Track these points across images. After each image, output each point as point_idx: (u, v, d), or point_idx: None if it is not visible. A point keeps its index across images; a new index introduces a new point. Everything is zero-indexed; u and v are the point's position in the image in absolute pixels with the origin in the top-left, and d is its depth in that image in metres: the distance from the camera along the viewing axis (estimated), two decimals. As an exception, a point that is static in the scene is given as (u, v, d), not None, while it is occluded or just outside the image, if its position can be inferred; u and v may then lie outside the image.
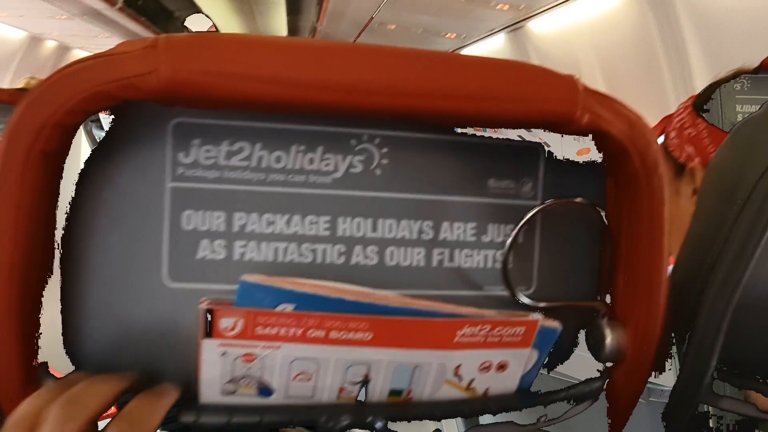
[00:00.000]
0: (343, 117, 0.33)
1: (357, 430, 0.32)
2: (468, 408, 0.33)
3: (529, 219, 0.35)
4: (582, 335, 0.38)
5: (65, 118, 0.27)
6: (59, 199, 0.31)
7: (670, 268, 0.38)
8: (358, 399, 0.32)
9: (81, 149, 0.45)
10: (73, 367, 0.33)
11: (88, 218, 0.32)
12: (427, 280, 0.35)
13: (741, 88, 0.66)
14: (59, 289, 0.32)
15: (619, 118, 0.32)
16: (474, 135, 0.35)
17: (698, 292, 0.39)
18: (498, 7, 3.33)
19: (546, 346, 0.34)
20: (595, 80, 2.90)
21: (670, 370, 0.38)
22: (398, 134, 0.34)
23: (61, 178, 0.30)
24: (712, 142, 0.65)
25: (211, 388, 0.31)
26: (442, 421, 0.34)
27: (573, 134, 0.32)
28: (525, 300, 0.35)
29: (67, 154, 0.30)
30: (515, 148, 0.36)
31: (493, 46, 4.23)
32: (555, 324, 0.33)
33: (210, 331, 0.29)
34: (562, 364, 0.38)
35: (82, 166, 0.31)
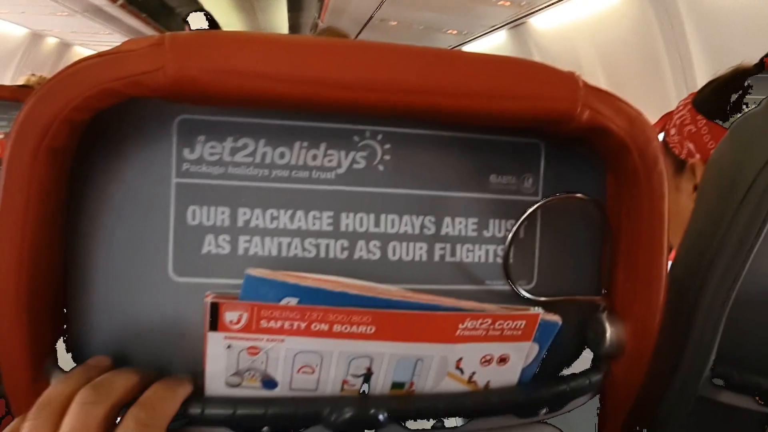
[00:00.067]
0: (345, 113, 0.33)
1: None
2: (469, 400, 0.33)
3: (529, 214, 0.35)
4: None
5: (73, 114, 0.28)
6: (66, 195, 0.31)
7: (670, 263, 0.38)
8: (361, 392, 0.33)
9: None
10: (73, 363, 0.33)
11: (94, 213, 0.32)
12: (429, 275, 0.35)
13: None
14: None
15: (619, 115, 0.32)
16: (475, 131, 0.35)
17: (697, 288, 0.39)
18: (499, 4, 3.33)
19: (546, 340, 0.34)
20: (596, 77, 2.90)
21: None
22: (400, 130, 0.34)
23: (69, 174, 0.31)
24: (712, 138, 0.66)
25: (216, 380, 0.31)
26: None
27: (573, 131, 0.32)
28: (526, 294, 0.36)
29: (74, 151, 0.30)
30: (516, 145, 0.36)
31: (494, 43, 4.23)
32: (555, 318, 0.33)
33: (215, 324, 0.29)
34: (562, 359, 0.38)
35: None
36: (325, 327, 0.30)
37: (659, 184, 0.33)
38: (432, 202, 0.35)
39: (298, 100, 0.29)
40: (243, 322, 0.29)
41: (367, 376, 0.32)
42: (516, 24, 3.76)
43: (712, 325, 0.38)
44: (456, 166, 0.35)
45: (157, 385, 0.31)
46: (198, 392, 0.31)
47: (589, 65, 3.00)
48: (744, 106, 0.65)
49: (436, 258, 0.36)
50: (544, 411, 0.35)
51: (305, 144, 0.33)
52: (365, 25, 4.22)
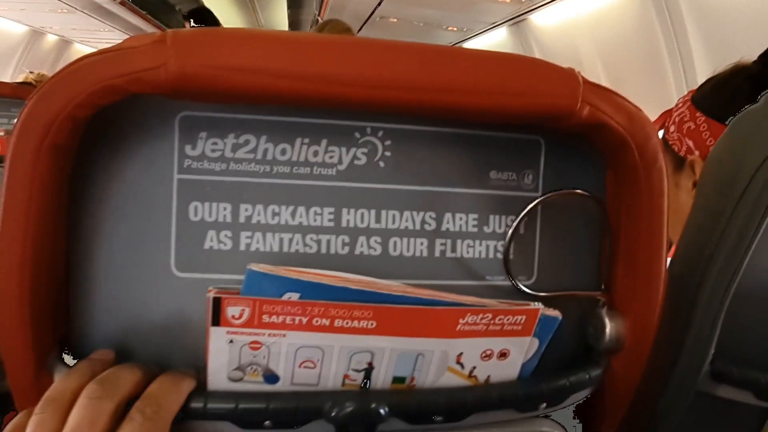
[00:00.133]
0: (346, 110, 0.33)
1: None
2: (470, 395, 0.33)
3: (529, 210, 0.36)
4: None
5: (75, 111, 0.28)
6: (69, 191, 0.32)
7: (669, 260, 0.38)
8: (362, 386, 0.33)
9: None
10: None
11: (96, 210, 0.32)
12: (430, 270, 0.36)
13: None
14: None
15: (619, 111, 0.32)
16: (476, 128, 0.36)
17: (696, 283, 0.39)
18: (500, 0, 3.32)
19: (546, 335, 0.34)
20: (596, 74, 2.89)
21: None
22: (401, 127, 0.35)
23: (71, 171, 0.31)
24: (711, 135, 0.66)
25: (218, 375, 0.31)
26: None
27: (573, 127, 0.33)
28: (526, 290, 0.36)
29: (77, 148, 0.31)
30: (516, 141, 0.36)
31: (494, 40, 4.22)
32: (555, 313, 0.34)
33: (217, 319, 0.30)
34: (561, 355, 0.38)
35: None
36: (326, 322, 0.30)
37: (659, 180, 0.34)
38: (432, 198, 0.35)
39: (300, 96, 0.29)
40: (245, 317, 0.30)
41: (368, 371, 0.32)
42: (516, 21, 3.75)
43: (711, 320, 0.39)
44: (456, 162, 0.36)
45: (161, 379, 0.31)
46: (200, 387, 0.32)
47: (590, 62, 2.99)
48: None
49: (437, 253, 0.36)
50: (543, 405, 0.35)
51: (306, 140, 0.34)
52: (365, 22, 4.21)
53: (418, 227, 0.35)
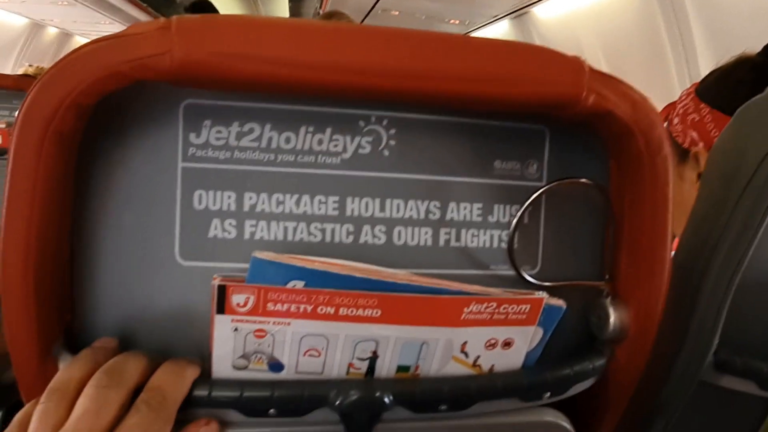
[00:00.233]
0: (351, 98, 0.33)
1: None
2: (474, 384, 0.33)
3: (534, 200, 0.36)
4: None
5: (80, 98, 0.28)
6: (73, 180, 0.32)
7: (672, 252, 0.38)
8: (367, 375, 0.33)
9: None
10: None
11: (101, 198, 0.32)
12: (434, 260, 0.36)
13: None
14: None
15: (624, 99, 0.32)
16: (480, 117, 0.35)
17: (701, 273, 0.39)
18: (502, -7, 3.30)
19: (551, 324, 0.34)
20: (599, 66, 2.88)
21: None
22: (406, 116, 0.34)
23: (75, 159, 0.31)
24: (716, 126, 0.65)
25: (223, 363, 0.32)
26: None
27: (578, 116, 0.32)
28: (530, 279, 0.36)
29: (81, 136, 0.31)
30: (521, 130, 0.36)
31: (497, 32, 4.20)
32: (560, 302, 0.34)
33: (222, 307, 0.30)
34: (565, 344, 0.39)
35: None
36: (331, 310, 0.30)
37: (663, 169, 0.34)
38: (437, 187, 0.35)
39: (305, 84, 0.29)
40: (250, 304, 0.30)
41: (373, 360, 0.32)
42: (518, 13, 3.73)
43: (715, 310, 0.39)
44: (461, 151, 0.35)
45: (165, 367, 0.31)
46: (204, 375, 0.32)
47: (592, 55, 2.98)
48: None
49: (441, 243, 0.36)
50: (547, 395, 0.35)
51: (311, 129, 0.33)
52: (367, 14, 4.20)
53: (422, 216, 0.35)
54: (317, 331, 0.31)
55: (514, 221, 0.36)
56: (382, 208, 0.35)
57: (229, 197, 0.33)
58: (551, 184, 0.36)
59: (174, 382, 0.30)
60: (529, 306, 0.33)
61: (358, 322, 0.31)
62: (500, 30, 4.16)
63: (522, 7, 3.57)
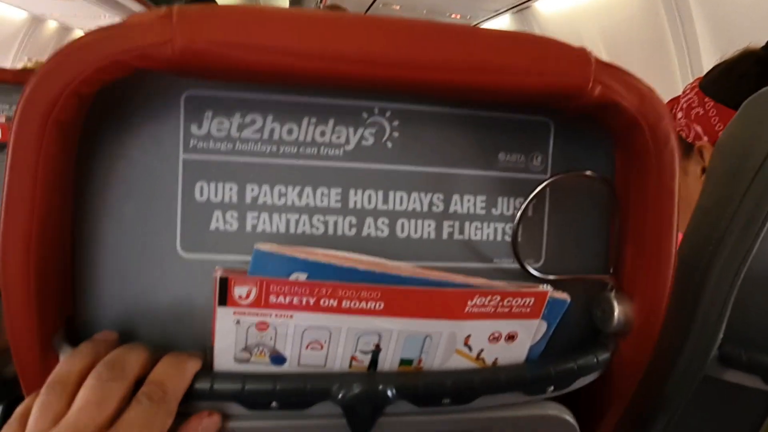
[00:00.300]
0: (354, 89, 0.33)
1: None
2: (477, 377, 0.33)
3: (538, 192, 0.35)
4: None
5: (81, 87, 0.28)
6: (74, 171, 0.31)
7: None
8: (370, 368, 0.33)
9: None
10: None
11: (101, 189, 0.32)
12: (438, 252, 0.35)
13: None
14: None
15: (631, 91, 0.32)
16: (484, 109, 0.35)
17: (705, 267, 0.39)
18: (504, -13, 3.29)
19: (555, 318, 0.34)
20: (601, 62, 2.87)
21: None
22: (409, 107, 0.34)
23: (77, 148, 0.31)
24: (721, 120, 0.65)
25: (224, 356, 0.31)
26: None
27: (583, 108, 0.32)
28: (534, 272, 0.36)
29: (82, 127, 0.30)
30: (525, 122, 0.36)
31: (498, 27, 4.19)
32: (564, 296, 0.33)
33: (224, 299, 0.29)
34: (569, 338, 0.38)
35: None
36: (334, 303, 0.30)
37: (670, 161, 0.33)
38: (440, 179, 0.35)
39: (307, 74, 0.29)
40: (252, 297, 0.29)
41: (376, 353, 0.32)
42: (520, 8, 3.72)
43: (720, 305, 0.38)
44: (464, 143, 0.35)
45: (166, 360, 0.31)
46: (206, 368, 0.32)
47: (594, 50, 2.97)
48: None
49: (445, 235, 0.35)
50: (551, 388, 0.35)
51: (313, 120, 0.33)
52: (368, 8, 4.18)
53: (425, 209, 0.35)
54: (320, 324, 0.31)
55: (518, 214, 0.35)
56: (385, 201, 0.34)
57: (231, 189, 0.33)
58: (556, 177, 0.36)
59: (175, 374, 0.30)
60: (533, 299, 0.32)
61: (361, 314, 0.30)
62: (502, 24, 4.15)
63: (524, 1, 3.56)
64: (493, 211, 0.36)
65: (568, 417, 0.36)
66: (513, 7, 3.76)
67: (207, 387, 0.31)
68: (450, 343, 0.33)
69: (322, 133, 0.33)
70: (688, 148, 0.69)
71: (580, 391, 0.37)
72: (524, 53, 0.30)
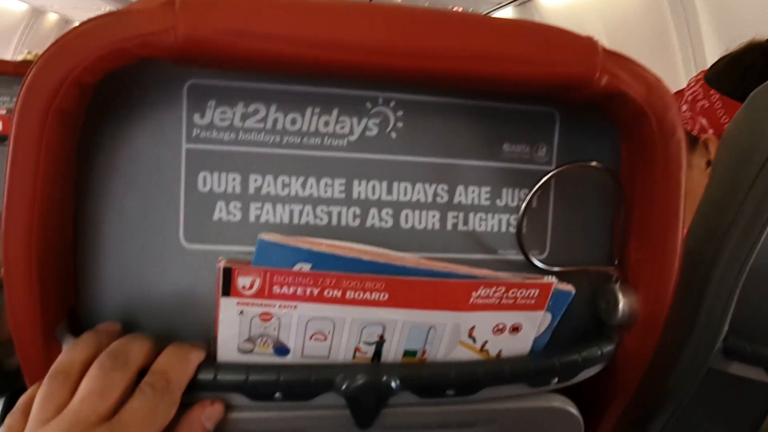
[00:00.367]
0: (358, 79, 0.33)
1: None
2: (481, 369, 0.33)
3: (543, 184, 0.35)
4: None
5: (83, 75, 0.27)
6: (76, 160, 0.31)
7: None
8: (373, 359, 0.33)
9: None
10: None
11: (104, 179, 0.32)
12: (442, 243, 0.35)
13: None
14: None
15: (638, 81, 0.31)
16: (489, 99, 0.35)
17: (710, 259, 0.39)
18: (506, -20, 3.27)
19: (559, 310, 0.34)
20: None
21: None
22: (413, 98, 0.34)
23: (79, 138, 0.30)
24: (726, 113, 0.65)
25: (228, 346, 0.31)
26: None
27: (590, 97, 0.32)
28: (539, 264, 0.36)
29: (83, 116, 0.30)
30: (530, 113, 0.36)
31: (500, 21, 4.17)
32: (569, 287, 0.33)
33: (228, 289, 0.29)
34: (573, 330, 0.38)
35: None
36: (338, 293, 0.30)
37: (677, 152, 0.33)
38: (445, 170, 0.35)
39: (312, 62, 0.28)
40: (256, 287, 0.29)
41: (380, 344, 0.32)
42: (522, 1, 3.70)
43: (725, 297, 0.38)
44: (469, 134, 0.35)
45: (169, 350, 0.31)
46: (210, 358, 0.31)
47: (597, 43, 2.95)
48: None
49: (449, 227, 0.35)
50: (555, 380, 0.35)
51: (317, 110, 0.33)
52: (370, 2, 4.17)
53: (430, 200, 0.35)
54: (324, 315, 0.31)
55: (523, 205, 0.35)
56: (389, 191, 0.34)
57: (234, 179, 0.33)
58: (561, 168, 0.35)
59: (178, 365, 0.30)
60: (538, 291, 0.32)
61: (365, 305, 0.30)
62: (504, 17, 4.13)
63: (526, -6, 3.54)
64: (498, 202, 0.36)
65: (572, 409, 0.36)
66: (515, 0, 3.74)
67: (210, 377, 0.30)
68: (454, 335, 0.33)
69: (326, 123, 0.33)
70: (692, 141, 0.69)
71: (584, 383, 0.36)
72: (530, 42, 0.30)
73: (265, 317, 0.30)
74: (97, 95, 0.29)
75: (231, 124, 0.32)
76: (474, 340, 0.33)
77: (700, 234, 0.41)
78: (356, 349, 0.32)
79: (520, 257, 0.36)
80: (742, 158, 0.39)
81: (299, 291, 0.29)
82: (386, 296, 0.30)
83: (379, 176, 0.34)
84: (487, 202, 0.36)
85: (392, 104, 0.34)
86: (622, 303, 0.36)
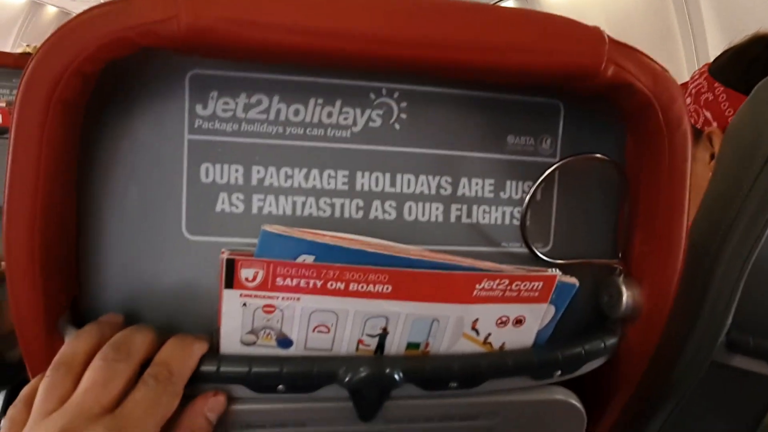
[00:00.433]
0: (362, 69, 0.32)
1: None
2: (484, 361, 0.33)
3: (547, 176, 0.35)
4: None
5: (84, 65, 0.27)
6: (78, 151, 0.31)
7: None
8: (376, 351, 0.33)
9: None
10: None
11: (106, 170, 0.32)
12: (445, 236, 0.35)
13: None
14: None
15: (645, 72, 0.31)
16: (493, 90, 0.35)
17: (715, 253, 0.39)
18: (508, -27, 3.25)
19: (563, 302, 0.34)
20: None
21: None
22: (417, 88, 0.34)
23: (81, 128, 0.30)
24: (731, 105, 0.64)
25: (231, 338, 0.31)
26: None
27: (596, 88, 0.32)
28: (542, 257, 0.35)
29: (86, 103, 0.30)
30: (535, 105, 0.35)
31: (501, 14, 4.15)
32: (572, 280, 0.33)
33: (231, 281, 0.29)
34: (576, 323, 0.38)
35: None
36: (341, 285, 0.30)
37: (683, 144, 0.33)
38: (448, 162, 0.35)
39: (315, 52, 0.28)
40: (259, 279, 0.29)
41: (383, 336, 0.32)
42: (524, -6, 3.68)
43: (729, 291, 0.38)
44: (473, 126, 0.35)
45: (172, 342, 0.31)
46: (212, 350, 0.31)
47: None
48: None
49: (453, 219, 0.35)
50: (558, 373, 0.35)
51: (320, 101, 0.33)
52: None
53: (433, 192, 0.35)
54: (327, 307, 0.30)
55: (527, 198, 0.35)
56: (393, 183, 0.34)
57: (237, 171, 0.32)
58: (565, 160, 0.35)
59: (181, 356, 0.30)
60: (541, 283, 0.32)
61: (368, 298, 0.30)
62: (505, 11, 4.11)
63: (528, -13, 3.52)
64: (502, 194, 0.36)
65: (575, 402, 0.36)
66: (517, -7, 3.72)
67: (214, 369, 0.30)
68: (457, 327, 0.32)
69: (329, 114, 0.33)
70: (696, 135, 0.69)
71: (587, 376, 0.36)
72: (537, 31, 0.30)
73: (268, 309, 0.30)
74: (99, 86, 0.29)
75: (233, 114, 0.32)
76: (477, 332, 0.33)
77: (704, 228, 0.41)
78: (359, 342, 0.32)
79: (524, 250, 0.35)
80: (747, 152, 0.39)
81: (302, 283, 0.29)
82: (390, 288, 0.30)
83: (382, 168, 0.34)
84: (491, 195, 0.35)
85: (396, 95, 0.33)
86: (625, 296, 0.36)
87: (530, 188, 0.35)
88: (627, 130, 0.35)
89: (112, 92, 0.31)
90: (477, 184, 0.35)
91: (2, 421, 0.29)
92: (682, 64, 2.37)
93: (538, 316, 0.34)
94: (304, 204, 0.33)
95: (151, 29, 0.26)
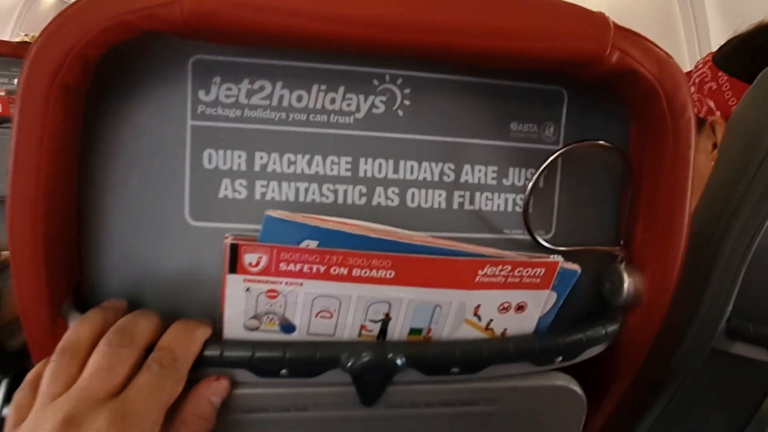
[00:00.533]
0: (365, 55, 0.32)
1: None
2: (486, 347, 0.33)
3: (550, 163, 0.35)
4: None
5: (87, 49, 0.27)
6: (81, 136, 0.31)
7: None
8: (379, 337, 0.33)
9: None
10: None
11: (108, 156, 0.32)
12: (448, 223, 0.35)
13: None
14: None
15: (649, 58, 0.31)
16: (497, 77, 0.34)
17: (717, 241, 0.39)
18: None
19: (564, 289, 0.34)
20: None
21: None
22: (420, 75, 0.33)
23: (83, 113, 0.30)
24: (734, 95, 0.64)
25: (234, 323, 0.31)
26: None
27: (600, 75, 0.31)
28: (545, 244, 0.35)
29: (89, 89, 0.30)
30: (538, 92, 0.35)
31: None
32: (574, 267, 0.33)
33: (234, 266, 0.29)
34: (578, 309, 0.38)
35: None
36: (344, 271, 0.30)
37: (686, 131, 0.33)
38: (451, 148, 0.34)
39: (318, 37, 0.28)
40: (262, 264, 0.29)
41: (385, 322, 0.32)
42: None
43: (730, 279, 0.38)
44: (476, 112, 0.35)
45: (176, 326, 0.31)
46: (216, 335, 0.32)
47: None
48: None
49: (455, 206, 0.35)
50: (559, 359, 0.35)
51: (323, 87, 0.32)
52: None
53: (436, 178, 0.35)
54: (330, 292, 0.31)
55: (530, 185, 0.35)
56: (396, 170, 0.34)
57: (240, 157, 0.32)
58: (569, 146, 0.35)
59: (185, 341, 0.30)
60: (543, 270, 0.32)
61: (371, 283, 0.30)
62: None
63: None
64: (504, 181, 0.36)
65: (576, 388, 0.36)
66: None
67: (217, 354, 0.31)
68: (460, 313, 0.33)
69: (332, 101, 0.33)
70: (699, 124, 0.69)
71: (588, 363, 0.37)
72: (541, 17, 0.29)
73: (272, 294, 0.30)
74: (101, 71, 0.29)
75: (236, 100, 0.32)
76: (479, 318, 0.33)
77: (706, 217, 0.41)
78: (362, 327, 0.32)
79: (527, 237, 0.35)
80: (749, 141, 0.39)
81: (306, 268, 0.29)
82: (392, 274, 0.30)
83: (385, 154, 0.34)
84: (494, 182, 0.35)
85: (399, 81, 0.33)
86: (627, 283, 0.36)
87: (533, 175, 0.35)
88: (631, 117, 0.35)
89: (114, 78, 0.31)
90: (480, 170, 0.35)
91: (8, 406, 0.30)
92: (684, 52, 2.36)
93: (540, 303, 0.34)
94: (307, 190, 0.33)
95: (153, 13, 0.26)
